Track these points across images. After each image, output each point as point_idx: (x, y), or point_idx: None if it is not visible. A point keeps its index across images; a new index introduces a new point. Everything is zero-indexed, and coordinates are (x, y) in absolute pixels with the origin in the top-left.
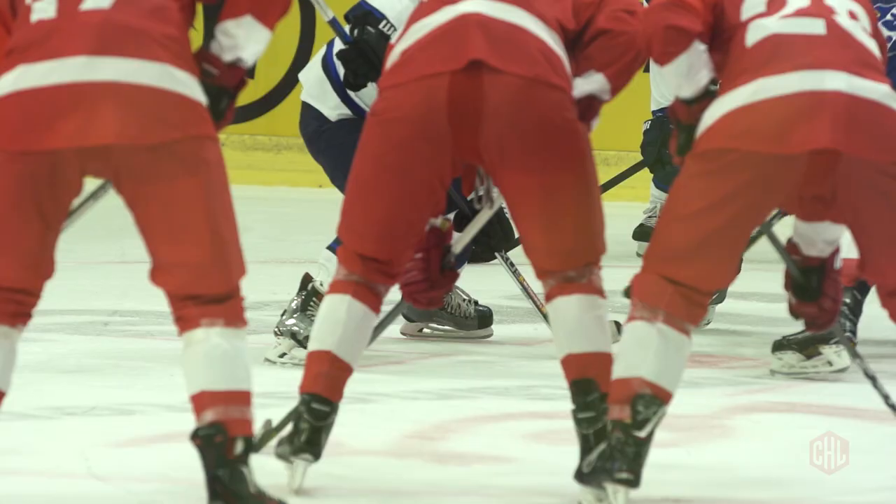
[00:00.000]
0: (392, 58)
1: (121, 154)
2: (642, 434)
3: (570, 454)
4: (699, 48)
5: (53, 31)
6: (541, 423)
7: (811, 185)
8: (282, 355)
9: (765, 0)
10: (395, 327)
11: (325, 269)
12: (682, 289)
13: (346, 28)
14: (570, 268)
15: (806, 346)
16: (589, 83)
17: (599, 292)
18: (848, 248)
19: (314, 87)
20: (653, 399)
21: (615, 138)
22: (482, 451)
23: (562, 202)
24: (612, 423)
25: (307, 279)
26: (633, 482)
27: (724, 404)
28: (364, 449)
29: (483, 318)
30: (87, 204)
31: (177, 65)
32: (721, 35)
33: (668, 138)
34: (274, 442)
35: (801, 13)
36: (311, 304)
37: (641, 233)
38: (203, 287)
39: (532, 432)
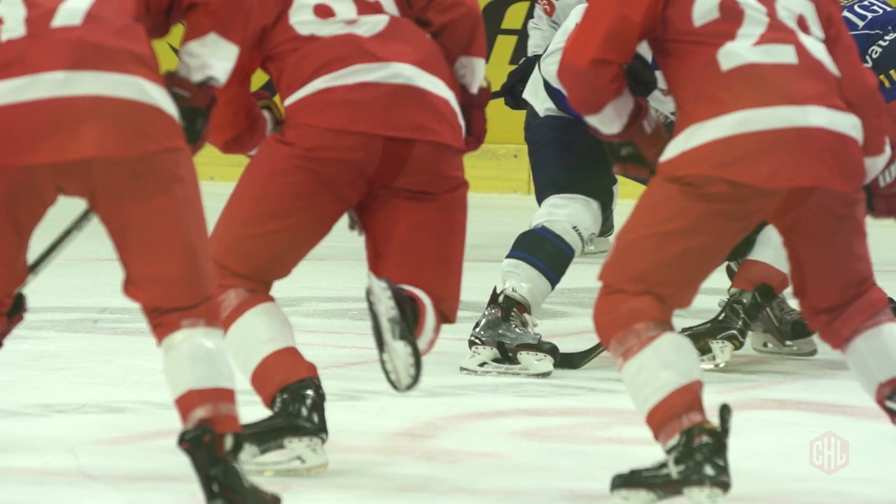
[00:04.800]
0: (314, 87)
1: (100, 168)
2: (727, 440)
3: (559, 451)
4: (622, 97)
5: (27, 49)
6: (530, 420)
7: (779, 215)
8: (482, 364)
9: (716, 4)
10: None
11: (514, 275)
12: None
13: None
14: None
15: (697, 340)
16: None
17: None
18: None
19: (532, 83)
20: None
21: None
22: (471, 449)
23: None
24: (692, 429)
25: (496, 292)
26: (730, 485)
27: (714, 402)
28: (353, 446)
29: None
30: (70, 236)
31: (150, 79)
32: (666, 34)
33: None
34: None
35: (768, 40)
36: (513, 313)
37: None
38: (176, 300)
39: (521, 429)
